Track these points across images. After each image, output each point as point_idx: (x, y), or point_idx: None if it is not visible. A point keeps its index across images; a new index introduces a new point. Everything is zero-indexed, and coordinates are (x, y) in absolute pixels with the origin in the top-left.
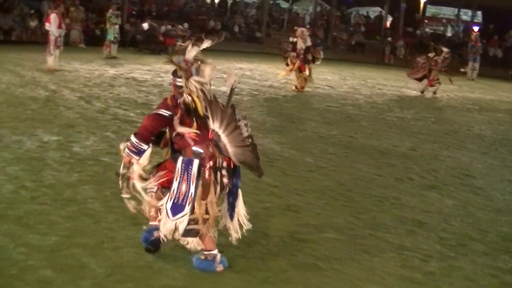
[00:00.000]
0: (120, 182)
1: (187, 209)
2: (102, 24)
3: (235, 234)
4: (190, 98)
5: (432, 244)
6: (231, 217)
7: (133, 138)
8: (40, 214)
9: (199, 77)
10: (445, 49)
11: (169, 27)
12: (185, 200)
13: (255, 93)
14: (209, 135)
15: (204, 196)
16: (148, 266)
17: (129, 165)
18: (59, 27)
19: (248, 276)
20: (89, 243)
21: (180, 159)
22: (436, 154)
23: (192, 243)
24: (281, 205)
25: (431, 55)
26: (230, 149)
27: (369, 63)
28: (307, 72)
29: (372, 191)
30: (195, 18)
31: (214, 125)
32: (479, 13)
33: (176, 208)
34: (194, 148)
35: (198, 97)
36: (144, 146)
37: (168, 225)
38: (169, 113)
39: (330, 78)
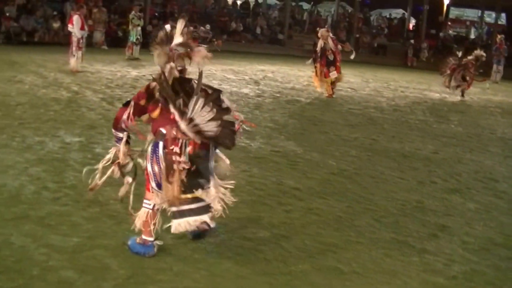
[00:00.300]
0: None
1: None
2: (124, 25)
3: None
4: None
5: (454, 248)
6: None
7: (112, 130)
8: (62, 215)
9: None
10: (477, 52)
11: (191, 28)
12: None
13: (277, 95)
14: (171, 116)
15: (169, 178)
16: (169, 268)
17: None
18: (82, 28)
19: (269, 279)
20: (111, 245)
21: (151, 144)
22: (459, 158)
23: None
24: (302, 208)
25: (459, 54)
26: (183, 127)
27: (392, 65)
28: (332, 77)
29: (395, 194)
30: (217, 20)
31: (173, 109)
32: (503, 15)
33: (161, 187)
34: (159, 129)
35: (161, 82)
36: (120, 134)
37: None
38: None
39: (352, 81)
